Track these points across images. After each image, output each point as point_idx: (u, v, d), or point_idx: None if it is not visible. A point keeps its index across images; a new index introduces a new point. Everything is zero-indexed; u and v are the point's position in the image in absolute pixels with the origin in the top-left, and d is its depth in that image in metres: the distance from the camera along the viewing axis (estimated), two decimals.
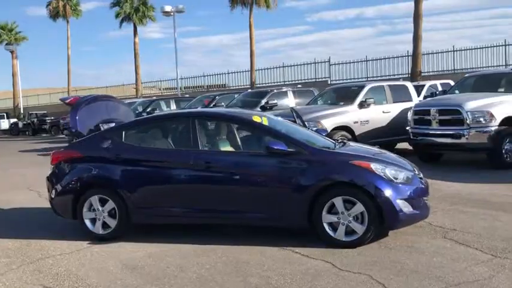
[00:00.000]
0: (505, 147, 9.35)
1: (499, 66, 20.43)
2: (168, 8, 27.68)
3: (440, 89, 14.90)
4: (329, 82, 24.45)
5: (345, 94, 12.13)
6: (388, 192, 4.89)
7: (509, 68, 13.98)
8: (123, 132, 5.84)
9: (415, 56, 21.65)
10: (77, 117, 6.02)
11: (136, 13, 36.15)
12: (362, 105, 11.30)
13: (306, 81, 25.33)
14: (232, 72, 30.47)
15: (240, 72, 30.00)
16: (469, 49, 21.79)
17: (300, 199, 5.05)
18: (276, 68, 27.95)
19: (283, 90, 13.73)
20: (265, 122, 5.57)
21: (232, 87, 29.32)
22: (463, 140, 9.42)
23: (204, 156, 5.40)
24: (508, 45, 20.63)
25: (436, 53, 22.19)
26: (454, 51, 21.87)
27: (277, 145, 5.09)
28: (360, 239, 4.97)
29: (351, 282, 4.14)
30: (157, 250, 5.25)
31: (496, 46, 20.91)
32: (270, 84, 27.02)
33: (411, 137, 10.49)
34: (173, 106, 19.07)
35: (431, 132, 10.00)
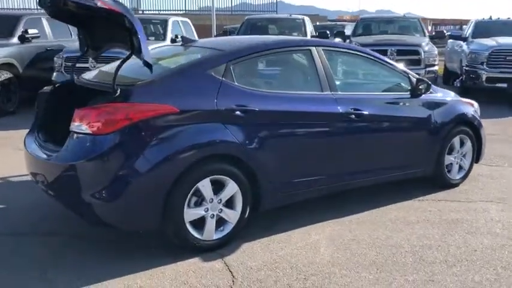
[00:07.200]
0: None
1: None
2: None
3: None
4: None
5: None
6: (483, 127, 5.14)
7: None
8: (232, 69, 3.55)
9: None
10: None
11: None
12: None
13: None
14: None
15: None
16: None
17: (435, 143, 4.66)
18: None
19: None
20: None
21: None
22: None
23: (351, 103, 4.04)
24: None
25: None
26: None
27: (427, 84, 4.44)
28: (466, 175, 5.07)
29: None
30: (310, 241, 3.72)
31: None
32: None
33: None
34: None
35: None
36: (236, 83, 3.55)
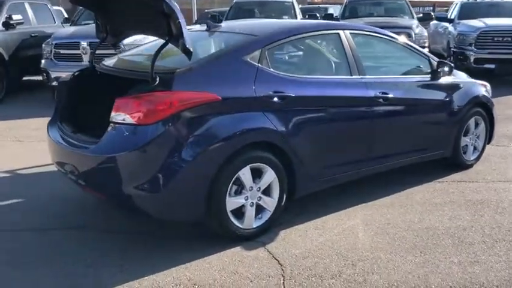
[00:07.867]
0: None
1: None
2: None
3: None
4: None
5: None
6: (495, 108, 5.21)
7: None
8: (267, 55, 3.46)
9: None
10: None
11: None
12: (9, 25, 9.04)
13: None
14: None
15: None
16: None
17: (454, 125, 4.70)
18: None
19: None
20: None
21: None
22: None
23: (378, 86, 4.02)
24: None
25: None
26: None
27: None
28: (479, 156, 5.14)
29: None
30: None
31: None
32: None
33: None
34: None
35: None
36: (271, 69, 3.47)
